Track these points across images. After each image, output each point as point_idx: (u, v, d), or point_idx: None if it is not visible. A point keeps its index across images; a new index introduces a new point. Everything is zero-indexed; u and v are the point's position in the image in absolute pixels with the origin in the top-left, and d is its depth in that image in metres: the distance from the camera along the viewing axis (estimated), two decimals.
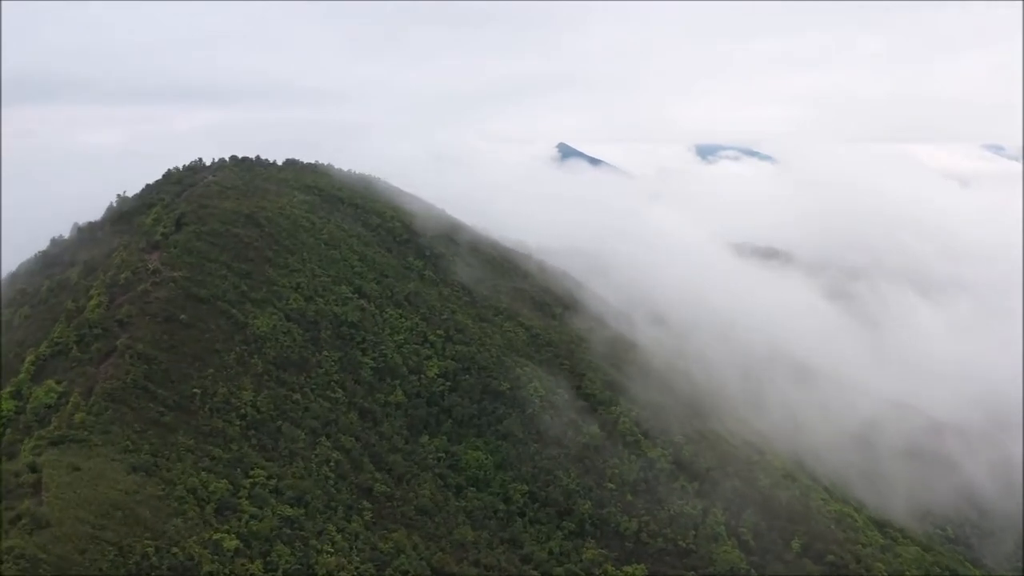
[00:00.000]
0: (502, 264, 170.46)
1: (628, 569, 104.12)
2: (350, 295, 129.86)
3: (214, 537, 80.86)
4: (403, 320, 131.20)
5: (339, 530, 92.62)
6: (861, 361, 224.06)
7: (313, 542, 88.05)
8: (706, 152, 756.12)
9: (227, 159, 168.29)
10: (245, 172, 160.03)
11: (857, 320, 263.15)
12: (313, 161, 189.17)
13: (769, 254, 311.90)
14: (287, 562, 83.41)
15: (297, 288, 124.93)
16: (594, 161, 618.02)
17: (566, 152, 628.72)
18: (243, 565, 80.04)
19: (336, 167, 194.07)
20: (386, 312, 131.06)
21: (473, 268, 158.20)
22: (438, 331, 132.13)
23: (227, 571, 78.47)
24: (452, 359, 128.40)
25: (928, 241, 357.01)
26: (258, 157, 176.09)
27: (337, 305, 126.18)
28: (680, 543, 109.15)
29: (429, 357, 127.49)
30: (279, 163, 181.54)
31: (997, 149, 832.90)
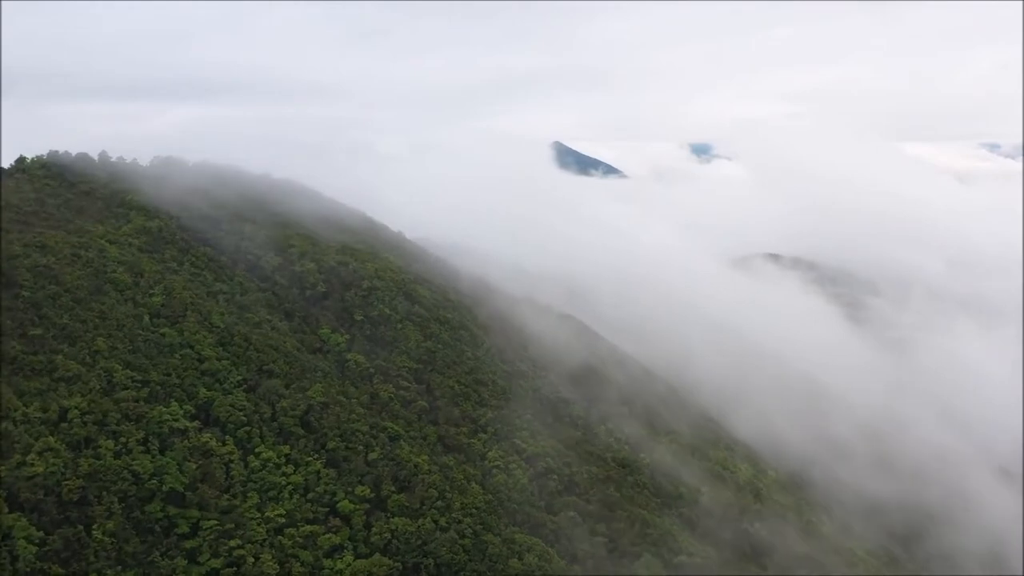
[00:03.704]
0: (487, 325, 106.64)
1: None
2: (180, 425, 65.77)
3: None
4: (289, 472, 67.20)
5: None
6: (918, 405, 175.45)
7: None
8: (701, 151, 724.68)
9: (45, 156, 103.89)
10: (56, 180, 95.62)
11: (889, 347, 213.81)
12: (204, 159, 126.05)
13: (776, 263, 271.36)
14: None
15: (60, 423, 60.82)
16: (589, 161, 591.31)
17: (561, 151, 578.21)
18: None
19: (248, 170, 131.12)
20: (256, 457, 67.05)
21: (440, 343, 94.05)
22: (361, 487, 68.32)
23: None
24: (384, 551, 64.59)
25: (936, 246, 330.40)
26: (103, 155, 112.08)
27: (146, 453, 62.15)
28: None
29: (338, 549, 63.73)
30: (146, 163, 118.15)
31: (994, 147, 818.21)
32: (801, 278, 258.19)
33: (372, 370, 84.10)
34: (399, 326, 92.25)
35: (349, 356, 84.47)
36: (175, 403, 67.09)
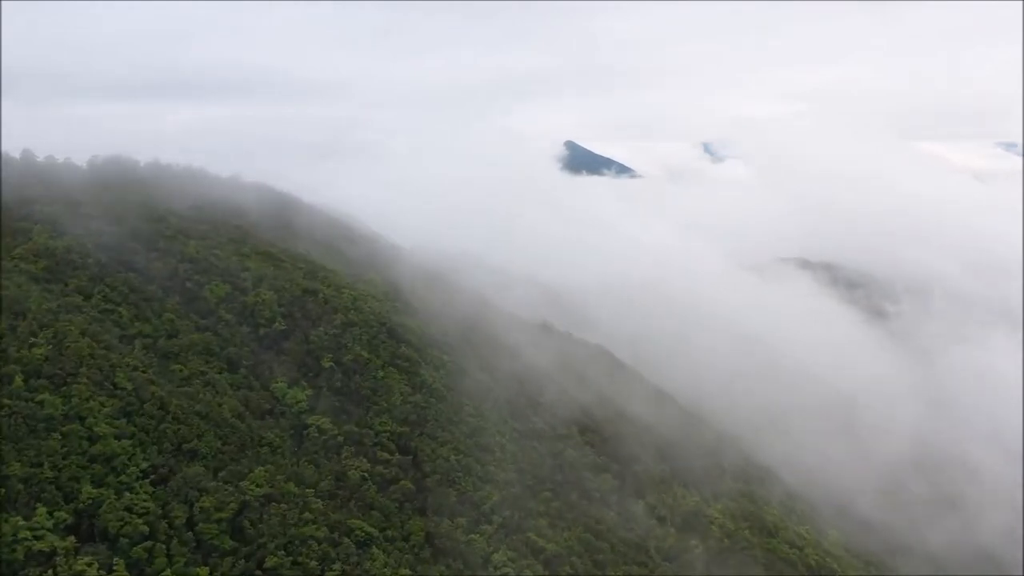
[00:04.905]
0: (493, 365, 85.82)
1: None
2: (44, 545, 45.32)
3: None
4: None
5: None
6: (959, 426, 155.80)
7: None
8: (714, 149, 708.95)
9: None
10: None
11: (918, 357, 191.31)
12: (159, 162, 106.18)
13: (797, 267, 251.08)
14: None
15: None
16: (601, 160, 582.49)
17: (573, 150, 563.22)
18: None
19: (212, 173, 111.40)
20: None
21: (432, 395, 73.37)
22: None
23: None
24: None
25: (955, 247, 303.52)
26: (26, 153, 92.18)
27: None
28: None
29: None
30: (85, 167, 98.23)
31: (1010, 146, 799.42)
32: (821, 281, 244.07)
33: (340, 439, 63.48)
34: (380, 374, 71.58)
35: (310, 420, 63.91)
36: (42, 509, 46.69)
